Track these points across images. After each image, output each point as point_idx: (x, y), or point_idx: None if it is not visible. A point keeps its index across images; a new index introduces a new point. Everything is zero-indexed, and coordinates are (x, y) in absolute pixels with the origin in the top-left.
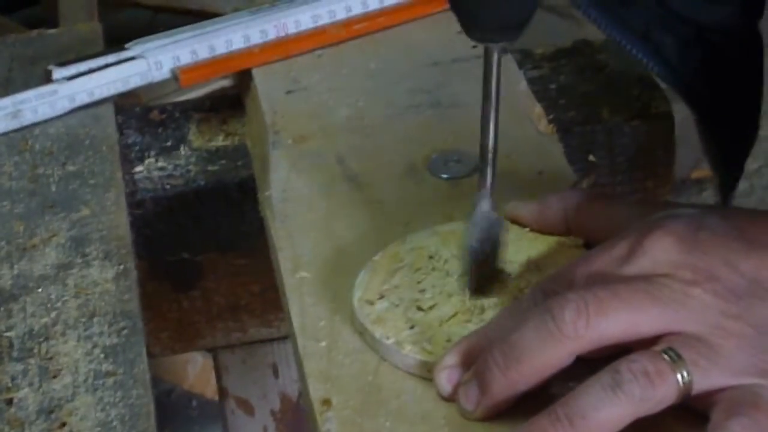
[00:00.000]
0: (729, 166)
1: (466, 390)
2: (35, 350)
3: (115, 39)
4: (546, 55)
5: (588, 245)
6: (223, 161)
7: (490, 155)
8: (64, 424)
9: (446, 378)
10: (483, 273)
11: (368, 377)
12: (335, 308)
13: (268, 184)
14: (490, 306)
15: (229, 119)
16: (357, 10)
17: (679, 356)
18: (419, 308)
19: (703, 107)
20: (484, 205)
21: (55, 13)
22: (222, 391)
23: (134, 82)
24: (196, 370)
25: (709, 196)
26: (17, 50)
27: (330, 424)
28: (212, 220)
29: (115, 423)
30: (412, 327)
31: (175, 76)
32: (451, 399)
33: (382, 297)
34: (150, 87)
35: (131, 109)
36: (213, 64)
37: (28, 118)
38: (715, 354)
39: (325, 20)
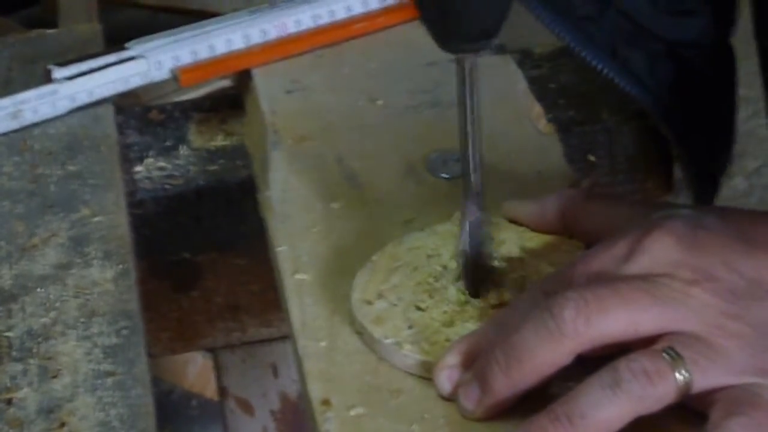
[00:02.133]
0: (705, 182)
1: (467, 389)
2: (35, 350)
3: (115, 39)
4: (545, 55)
5: (587, 245)
6: (223, 161)
7: (472, 164)
8: (63, 424)
9: (446, 377)
10: (478, 273)
11: (367, 377)
12: (334, 308)
13: (268, 184)
14: (489, 305)
15: (228, 119)
16: (357, 9)
17: (678, 355)
18: (418, 308)
19: (675, 124)
20: (472, 211)
21: (54, 13)
22: (222, 391)
23: (134, 82)
24: (195, 370)
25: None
26: (17, 50)
27: (329, 424)
28: (212, 220)
29: (114, 423)
30: (411, 327)
31: (175, 76)
32: (451, 398)
33: (381, 297)
34: (150, 87)
35: (131, 109)
36: (213, 64)
37: (28, 118)
38: (715, 353)
39: (325, 20)
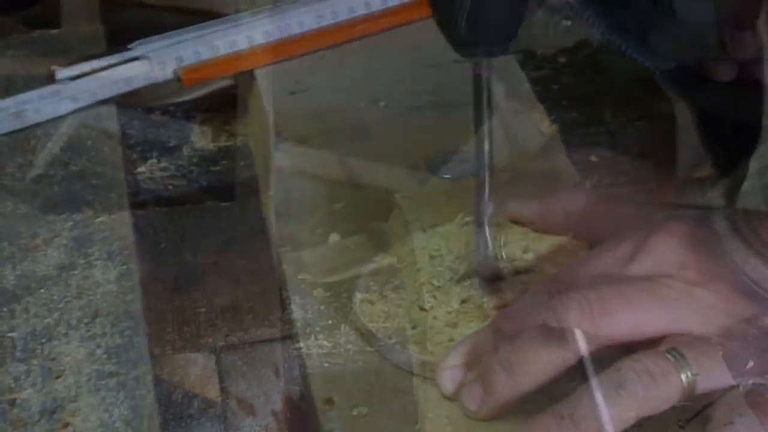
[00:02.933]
0: (731, 164)
1: (470, 390)
2: (38, 351)
3: (119, 39)
4: (548, 56)
5: (590, 246)
6: (226, 162)
7: (487, 165)
8: (67, 425)
9: (449, 378)
10: (489, 275)
11: (370, 377)
12: (337, 308)
13: (271, 184)
14: (493, 306)
15: (231, 120)
16: (360, 11)
17: (682, 356)
18: (421, 308)
19: (703, 106)
20: (486, 213)
21: (56, 13)
22: (223, 392)
23: (137, 83)
24: (197, 371)
25: (712, 197)
26: (20, 51)
27: (332, 424)
28: (214, 220)
29: (117, 423)
30: (414, 327)
31: (178, 77)
32: (453, 399)
33: (384, 297)
34: (153, 87)
35: (134, 109)
36: (216, 65)
37: (31, 118)
38: (718, 354)
39: (328, 21)
